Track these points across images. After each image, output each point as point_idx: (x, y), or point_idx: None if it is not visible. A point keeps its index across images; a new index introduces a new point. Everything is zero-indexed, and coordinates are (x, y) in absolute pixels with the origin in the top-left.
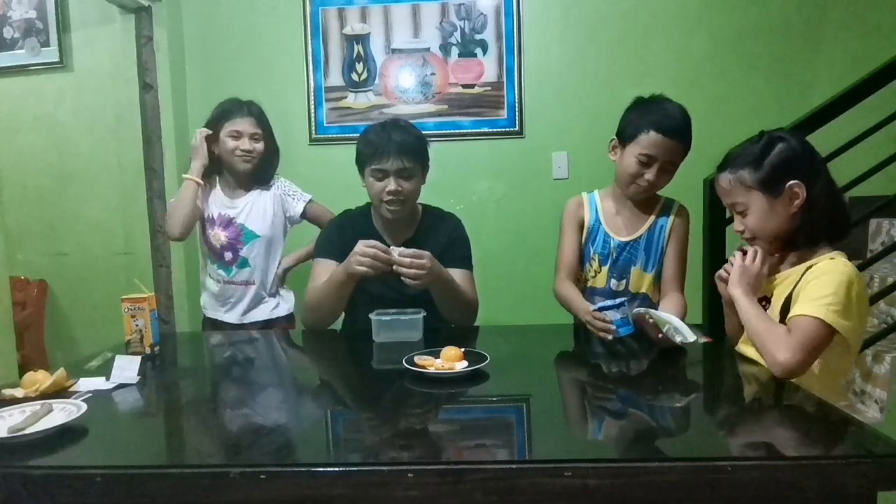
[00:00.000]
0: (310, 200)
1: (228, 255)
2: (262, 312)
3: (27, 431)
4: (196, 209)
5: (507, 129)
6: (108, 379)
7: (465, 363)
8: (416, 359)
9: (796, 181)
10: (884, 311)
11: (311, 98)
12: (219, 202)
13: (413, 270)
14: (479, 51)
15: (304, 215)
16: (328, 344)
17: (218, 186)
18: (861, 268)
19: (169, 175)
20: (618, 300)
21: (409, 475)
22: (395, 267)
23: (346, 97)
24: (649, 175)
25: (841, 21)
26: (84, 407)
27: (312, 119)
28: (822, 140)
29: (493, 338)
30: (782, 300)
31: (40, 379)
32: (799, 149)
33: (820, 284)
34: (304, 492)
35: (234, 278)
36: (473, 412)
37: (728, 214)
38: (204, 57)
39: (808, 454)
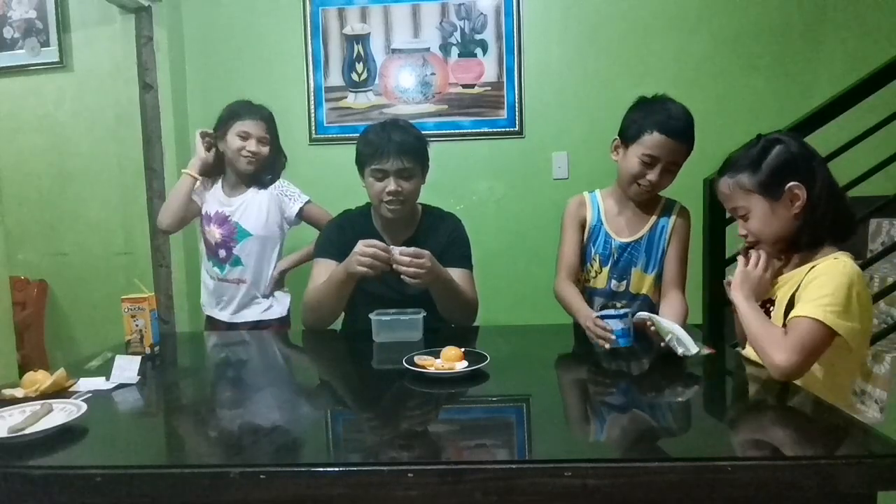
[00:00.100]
0: (307, 202)
1: (223, 253)
2: (254, 313)
3: (27, 431)
4: (189, 204)
5: (507, 129)
6: (108, 379)
7: (465, 363)
8: (416, 359)
9: (796, 182)
10: (884, 311)
11: (311, 98)
12: (217, 200)
13: (413, 269)
14: (479, 51)
15: (300, 216)
16: (328, 344)
17: (219, 184)
18: (861, 268)
19: (169, 175)
20: (621, 311)
21: (409, 475)
22: (394, 266)
23: (346, 97)
24: (652, 175)
25: (841, 21)
26: (84, 407)
27: (312, 119)
28: (822, 140)
29: (493, 338)
30: (786, 302)
31: (40, 379)
32: (797, 150)
33: (819, 285)
34: (304, 492)
35: (227, 276)
36: (473, 412)
37: (728, 215)
38: (204, 57)
39: (808, 454)
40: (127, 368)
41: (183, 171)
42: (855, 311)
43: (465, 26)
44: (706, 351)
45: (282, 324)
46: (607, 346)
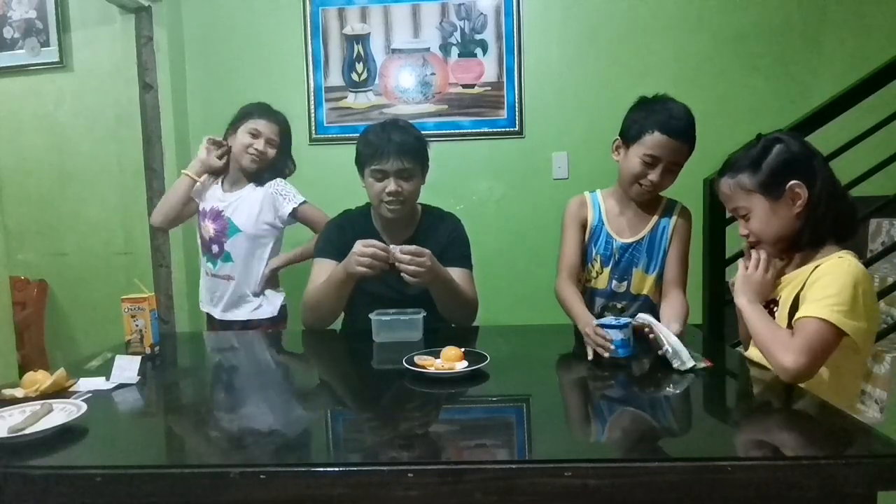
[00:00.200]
0: (302, 203)
1: (215, 248)
2: (243, 312)
3: (27, 431)
4: (183, 204)
5: (507, 129)
6: (108, 379)
7: (465, 363)
8: (416, 359)
9: (797, 181)
10: (884, 311)
11: (311, 98)
12: (215, 196)
13: (413, 268)
14: (479, 51)
15: (294, 216)
16: (328, 344)
17: (219, 182)
18: None
19: (169, 175)
20: (622, 320)
21: (409, 475)
22: (396, 264)
23: (346, 97)
24: (653, 176)
25: (841, 21)
26: (84, 407)
27: (312, 119)
28: (822, 140)
29: (493, 338)
30: (790, 303)
31: (40, 379)
32: (797, 149)
33: (824, 284)
34: (304, 492)
35: (219, 272)
36: (473, 412)
37: (728, 215)
38: (204, 57)
39: (808, 454)
40: (127, 368)
41: (183, 171)
42: (861, 310)
43: (465, 26)
44: (702, 365)
45: (272, 323)
46: (606, 354)
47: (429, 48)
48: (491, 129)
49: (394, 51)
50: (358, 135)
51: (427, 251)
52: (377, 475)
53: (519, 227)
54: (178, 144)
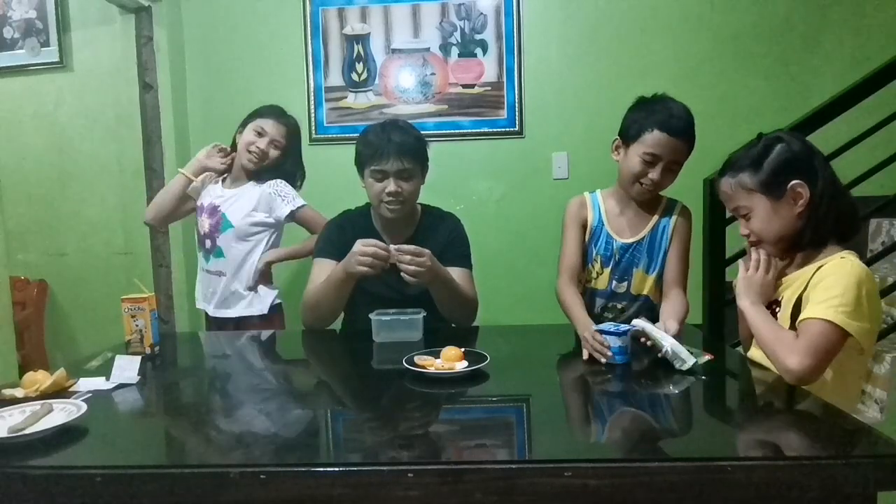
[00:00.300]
0: (301, 206)
1: (208, 243)
2: (234, 309)
3: (27, 431)
4: (177, 202)
5: (507, 129)
6: (108, 379)
7: (465, 363)
8: (416, 359)
9: (798, 181)
10: (884, 311)
11: (311, 98)
12: (215, 192)
13: (413, 268)
14: (479, 51)
15: (291, 218)
16: (328, 344)
17: (220, 180)
18: None
19: (169, 175)
20: (622, 328)
21: (409, 475)
22: (396, 264)
23: (346, 97)
24: (654, 174)
25: (841, 21)
26: (84, 407)
27: (312, 119)
28: (822, 140)
29: (493, 338)
30: (792, 303)
31: (40, 379)
32: (798, 149)
33: (828, 285)
34: (304, 492)
35: (211, 268)
36: (473, 412)
37: (729, 215)
38: (204, 57)
39: (809, 454)
40: (127, 368)
41: (179, 170)
42: (865, 310)
43: (465, 26)
44: (704, 359)
45: (263, 321)
46: (603, 360)
47: (429, 48)
48: (491, 129)
49: (394, 51)
50: (358, 135)
51: (426, 251)
52: (377, 475)
53: (519, 227)
54: (178, 144)
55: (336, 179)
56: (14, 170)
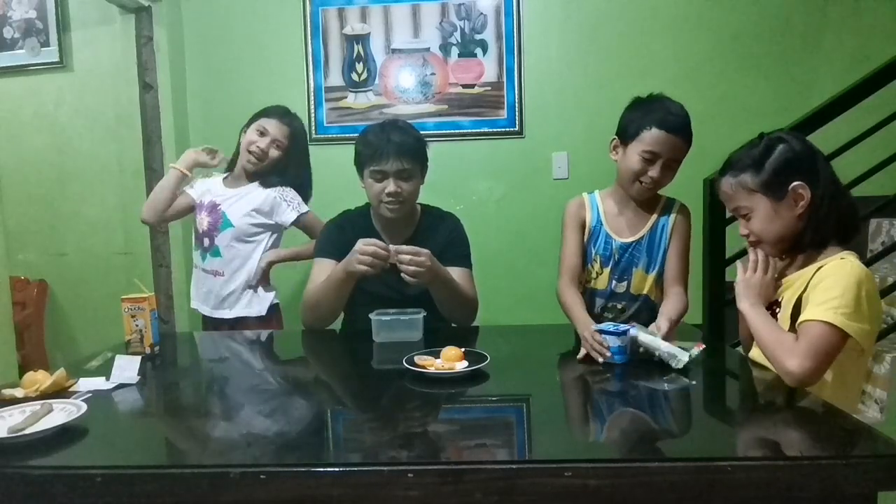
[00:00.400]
0: (305, 212)
1: (206, 242)
2: (231, 310)
3: (27, 431)
4: (171, 198)
5: (507, 129)
6: (108, 379)
7: (465, 363)
8: (416, 359)
9: (799, 182)
10: (884, 311)
11: (311, 98)
12: (215, 190)
13: (412, 268)
14: (479, 51)
15: (295, 224)
16: (328, 344)
17: (220, 179)
18: None
19: None
20: (621, 327)
21: (409, 475)
22: (396, 264)
23: (346, 97)
24: (653, 172)
25: (841, 21)
26: (84, 407)
27: (312, 119)
28: (822, 140)
29: (493, 338)
30: (792, 304)
31: (40, 379)
32: (800, 149)
33: (827, 287)
34: (304, 492)
35: (207, 266)
36: (473, 412)
37: (729, 215)
38: (204, 57)
39: (809, 454)
40: (127, 368)
41: (171, 165)
42: (865, 312)
43: (465, 26)
44: (696, 351)
45: (261, 322)
46: (601, 359)
47: (429, 48)
48: (491, 129)
49: (394, 51)
50: (357, 135)
51: (426, 251)
52: (377, 475)
53: (519, 227)
54: (178, 144)
55: (336, 179)
56: (14, 170)
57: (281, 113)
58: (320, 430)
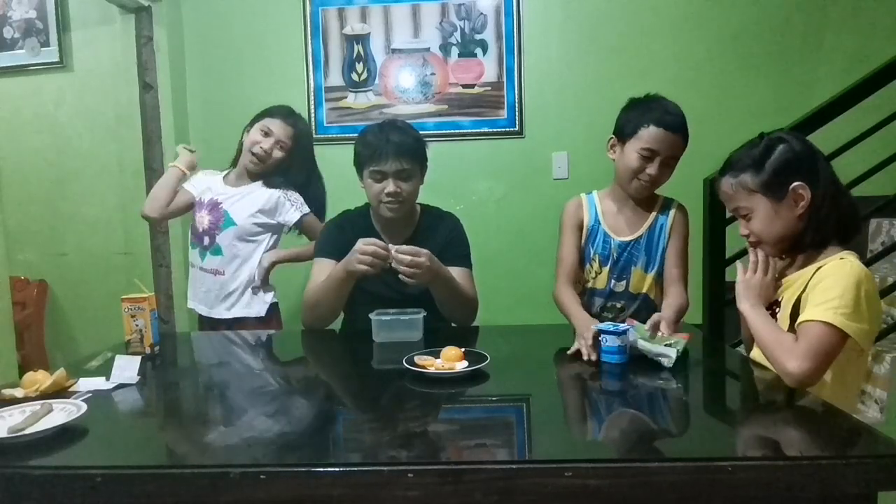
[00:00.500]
0: (307, 213)
1: (206, 240)
2: (229, 311)
3: (27, 431)
4: (172, 195)
5: (507, 129)
6: (108, 379)
7: (465, 363)
8: (416, 359)
9: (800, 182)
10: (884, 311)
11: (311, 98)
12: (217, 190)
13: (412, 269)
14: (479, 51)
15: (298, 225)
16: (328, 344)
17: (220, 175)
18: None
19: None
20: (621, 327)
21: (409, 475)
22: (394, 264)
23: (346, 97)
24: (651, 169)
25: (841, 21)
26: (84, 407)
27: (312, 119)
28: (822, 140)
29: (493, 338)
30: (791, 304)
31: (40, 379)
32: (800, 149)
33: (827, 287)
34: (304, 492)
35: (206, 265)
36: (473, 412)
37: (728, 215)
38: (204, 57)
39: (809, 454)
40: (127, 368)
41: (170, 164)
42: (864, 312)
43: (465, 26)
44: (682, 344)
45: (259, 322)
46: (585, 358)
47: (429, 48)
48: (491, 129)
49: (394, 51)
50: (357, 135)
51: (425, 251)
52: (377, 475)
53: (519, 227)
54: (178, 144)
55: (336, 179)
56: (14, 170)
57: (285, 113)
58: (320, 431)
